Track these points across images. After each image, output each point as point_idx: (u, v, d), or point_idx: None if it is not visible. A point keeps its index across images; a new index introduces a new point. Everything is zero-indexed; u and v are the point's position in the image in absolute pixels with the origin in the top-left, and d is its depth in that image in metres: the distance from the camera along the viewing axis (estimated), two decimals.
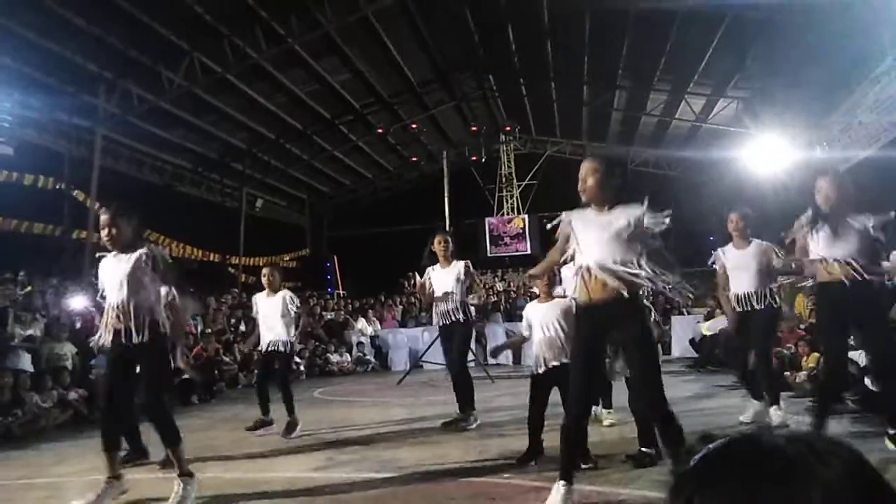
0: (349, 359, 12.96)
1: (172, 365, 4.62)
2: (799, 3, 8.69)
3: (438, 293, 5.64)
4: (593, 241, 3.08)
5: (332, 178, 19.82)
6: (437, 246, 5.76)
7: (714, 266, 5.15)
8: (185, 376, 7.89)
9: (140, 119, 12.69)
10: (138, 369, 3.73)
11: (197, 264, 16.00)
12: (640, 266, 2.99)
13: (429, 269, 5.84)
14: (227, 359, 10.24)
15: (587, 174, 3.10)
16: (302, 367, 11.43)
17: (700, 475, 0.57)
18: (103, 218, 3.63)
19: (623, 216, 3.04)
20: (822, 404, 3.88)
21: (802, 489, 0.52)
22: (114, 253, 3.66)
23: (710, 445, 0.59)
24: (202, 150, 15.38)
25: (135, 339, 3.50)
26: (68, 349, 7.96)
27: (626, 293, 2.97)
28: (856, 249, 3.70)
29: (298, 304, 5.89)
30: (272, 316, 5.70)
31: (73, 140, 12.24)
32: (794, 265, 4.20)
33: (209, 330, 10.85)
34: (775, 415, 4.83)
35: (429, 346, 10.66)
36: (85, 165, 12.06)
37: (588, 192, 3.11)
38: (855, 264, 3.66)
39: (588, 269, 3.06)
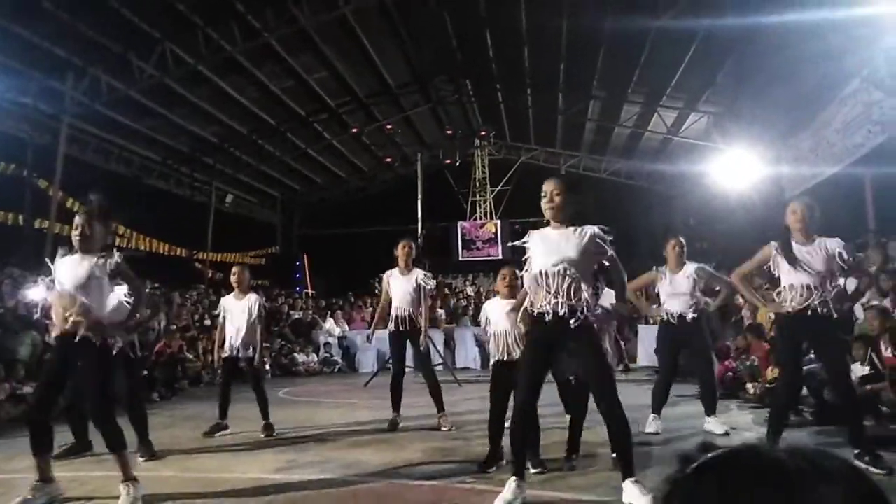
0: (316, 359, 12.83)
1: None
2: (770, 25, 8.88)
3: (397, 299, 5.69)
4: (549, 251, 3.30)
5: (304, 175, 19.60)
6: (401, 251, 5.78)
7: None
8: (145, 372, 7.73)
9: (108, 108, 12.38)
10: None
11: (145, 253, 15.41)
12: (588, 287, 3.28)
13: (388, 273, 5.85)
14: (190, 356, 10.05)
15: (554, 192, 3.31)
16: (268, 367, 11.27)
17: (695, 484, 0.55)
18: (80, 217, 3.58)
19: (578, 233, 3.29)
20: (778, 416, 4.14)
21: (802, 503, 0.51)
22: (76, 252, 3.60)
23: (709, 455, 0.57)
24: (172, 142, 15.07)
25: (78, 336, 3.46)
26: (27, 341, 7.71)
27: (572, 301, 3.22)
28: (823, 277, 3.87)
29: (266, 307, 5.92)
30: (240, 319, 5.63)
31: (38, 126, 11.89)
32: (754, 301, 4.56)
33: (173, 326, 10.64)
34: (712, 424, 5.04)
35: None
36: (49, 153, 11.71)
37: (554, 209, 3.32)
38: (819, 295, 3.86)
39: (540, 273, 3.28)
